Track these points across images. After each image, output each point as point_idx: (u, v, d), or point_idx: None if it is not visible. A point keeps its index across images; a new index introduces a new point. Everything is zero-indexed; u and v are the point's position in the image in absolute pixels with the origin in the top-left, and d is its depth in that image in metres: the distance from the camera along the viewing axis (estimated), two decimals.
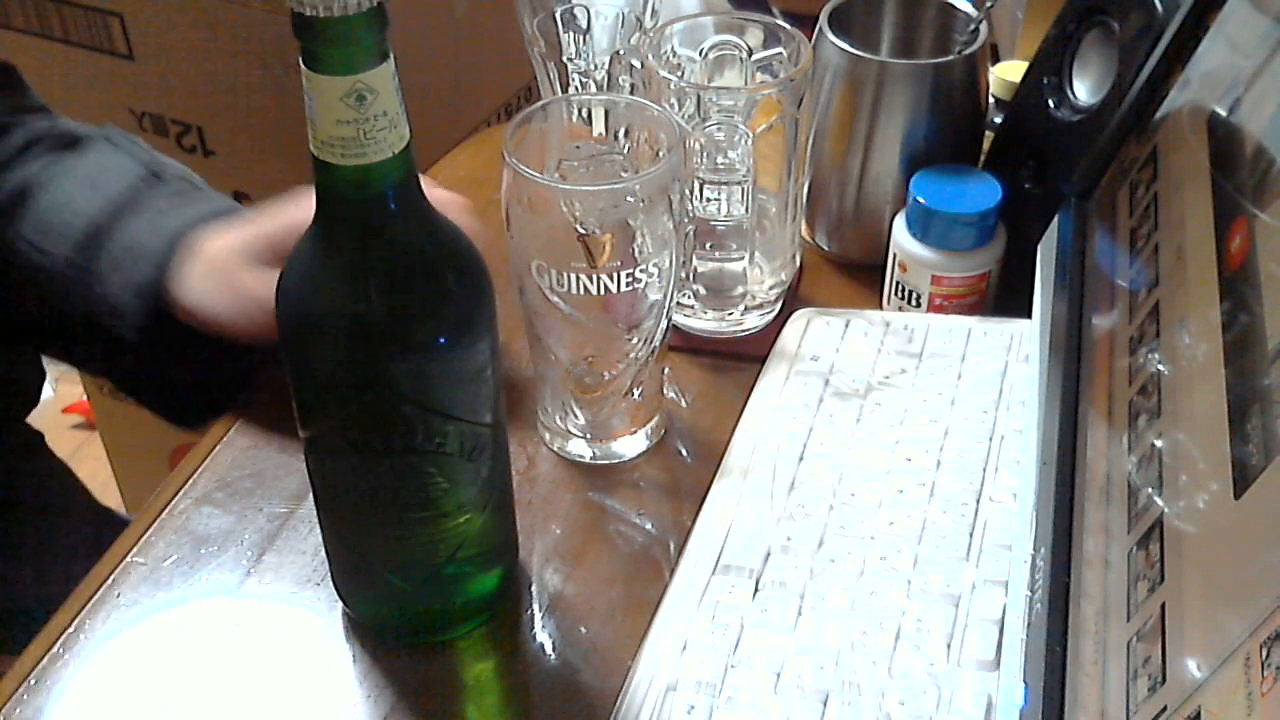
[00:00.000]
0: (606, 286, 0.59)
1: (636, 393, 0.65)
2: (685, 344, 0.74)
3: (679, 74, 0.69)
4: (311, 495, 0.57)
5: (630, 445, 0.67)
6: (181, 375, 0.69)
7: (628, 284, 0.59)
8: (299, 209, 0.63)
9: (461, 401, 0.51)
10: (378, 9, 0.43)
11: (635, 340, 0.63)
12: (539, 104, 0.62)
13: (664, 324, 0.63)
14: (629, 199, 0.58)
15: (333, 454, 0.53)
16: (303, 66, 0.44)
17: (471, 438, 0.52)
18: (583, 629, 0.59)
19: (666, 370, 0.70)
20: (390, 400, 0.49)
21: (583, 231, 0.59)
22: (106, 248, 0.67)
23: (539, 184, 0.58)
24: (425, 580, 0.56)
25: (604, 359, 0.63)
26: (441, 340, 0.49)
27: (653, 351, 0.64)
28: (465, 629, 0.59)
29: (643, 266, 0.59)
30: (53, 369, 1.56)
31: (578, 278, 0.59)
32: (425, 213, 0.49)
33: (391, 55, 0.44)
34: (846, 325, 0.73)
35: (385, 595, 0.57)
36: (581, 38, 0.77)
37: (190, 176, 0.74)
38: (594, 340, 0.63)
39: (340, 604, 0.60)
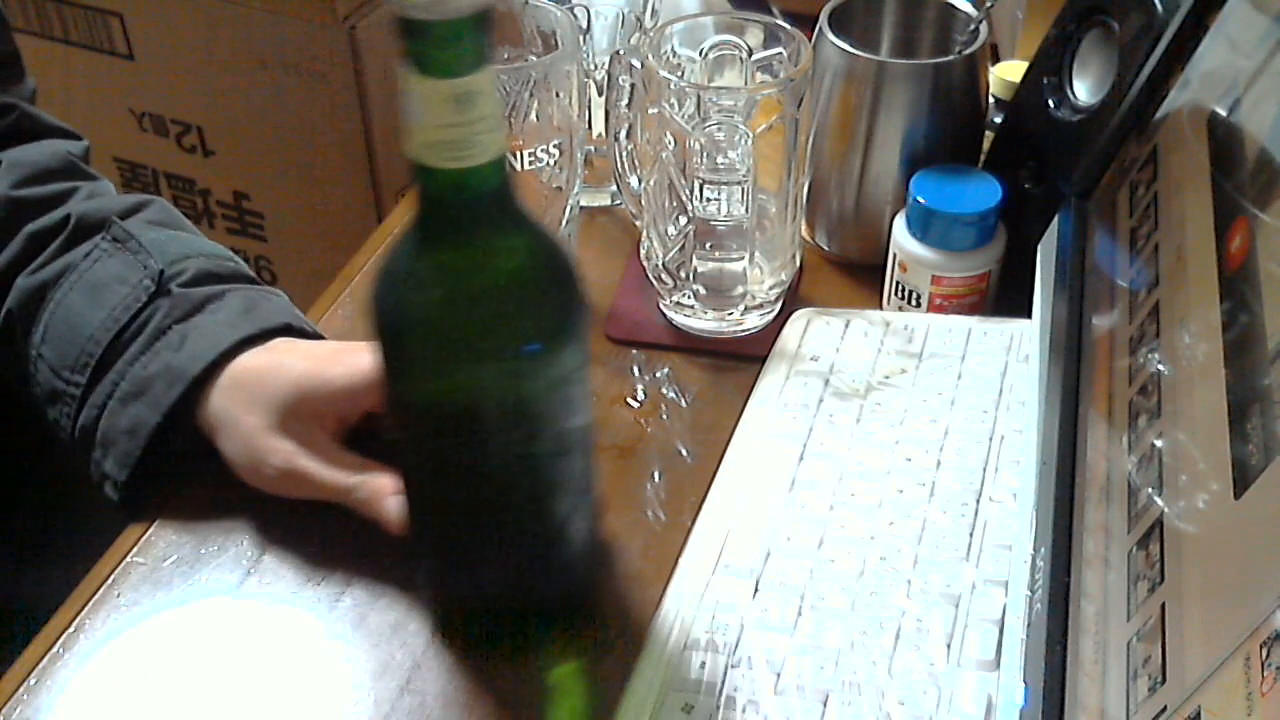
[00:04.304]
0: (511, 165, 0.63)
1: None
2: (685, 344, 0.74)
3: (679, 74, 0.69)
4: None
5: None
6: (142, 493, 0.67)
7: (529, 162, 0.66)
8: (347, 370, 0.61)
9: (556, 404, 0.51)
10: (483, 13, 0.43)
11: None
12: None
13: (568, 209, 0.70)
14: (529, 81, 0.64)
15: (427, 458, 0.53)
16: (406, 70, 0.44)
17: (564, 439, 0.52)
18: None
19: None
20: (489, 405, 0.50)
21: None
22: (110, 378, 0.65)
23: None
24: (513, 581, 0.56)
25: None
26: (541, 344, 0.49)
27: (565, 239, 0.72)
28: (553, 629, 0.59)
29: (544, 146, 0.65)
30: None
31: None
32: (520, 214, 0.49)
33: (492, 58, 0.45)
34: (846, 325, 0.73)
35: (473, 595, 0.58)
36: (581, 38, 0.77)
37: (214, 266, 0.69)
38: None
39: (340, 603, 0.60)
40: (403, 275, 0.49)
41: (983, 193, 0.71)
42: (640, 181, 0.73)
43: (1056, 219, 0.69)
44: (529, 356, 0.49)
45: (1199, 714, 0.40)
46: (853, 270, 0.79)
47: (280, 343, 0.65)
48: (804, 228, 0.78)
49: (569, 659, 0.58)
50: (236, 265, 0.71)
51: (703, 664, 0.55)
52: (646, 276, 0.75)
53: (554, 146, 0.67)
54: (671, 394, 0.71)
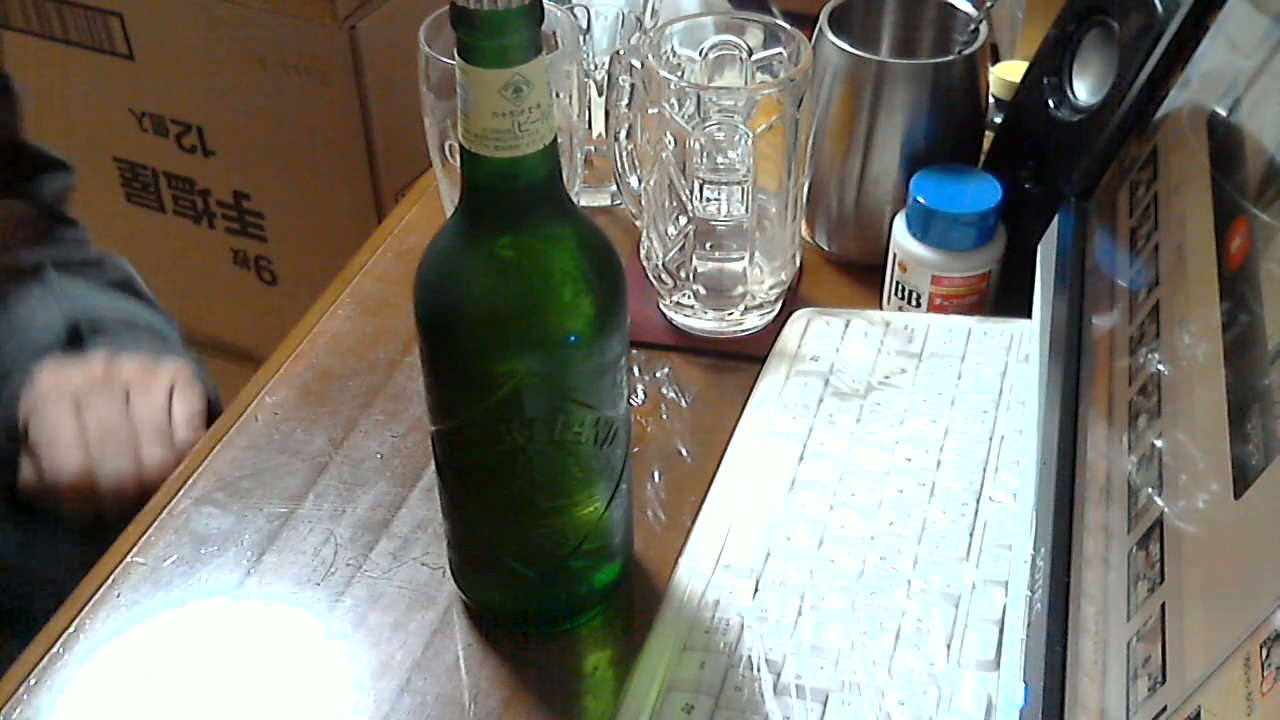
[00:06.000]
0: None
1: None
2: (685, 344, 0.74)
3: (679, 74, 0.69)
4: (437, 484, 0.57)
5: None
6: None
7: None
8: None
9: (599, 391, 0.52)
10: (534, 4, 0.44)
11: None
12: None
13: None
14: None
15: (470, 445, 0.53)
16: (459, 60, 0.45)
17: (605, 426, 0.53)
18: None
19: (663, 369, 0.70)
20: (534, 392, 0.50)
21: None
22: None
23: (447, 65, 0.63)
24: (550, 570, 0.57)
25: None
26: (586, 332, 0.50)
27: None
28: (584, 620, 0.59)
29: None
30: None
31: None
32: (567, 204, 0.50)
33: (544, 48, 0.46)
34: (846, 325, 0.73)
35: (509, 585, 0.58)
36: (581, 38, 0.77)
37: (133, 315, 0.77)
38: None
39: (340, 603, 0.60)
40: (449, 263, 0.50)
41: (983, 193, 0.71)
42: (640, 181, 0.73)
43: (1056, 219, 0.69)
44: (574, 344, 0.50)
45: (1199, 714, 0.40)
46: (853, 270, 0.79)
47: None
48: (804, 228, 0.78)
49: (596, 650, 0.59)
50: None
51: (703, 664, 0.55)
52: (646, 276, 0.75)
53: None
54: (671, 394, 0.71)
